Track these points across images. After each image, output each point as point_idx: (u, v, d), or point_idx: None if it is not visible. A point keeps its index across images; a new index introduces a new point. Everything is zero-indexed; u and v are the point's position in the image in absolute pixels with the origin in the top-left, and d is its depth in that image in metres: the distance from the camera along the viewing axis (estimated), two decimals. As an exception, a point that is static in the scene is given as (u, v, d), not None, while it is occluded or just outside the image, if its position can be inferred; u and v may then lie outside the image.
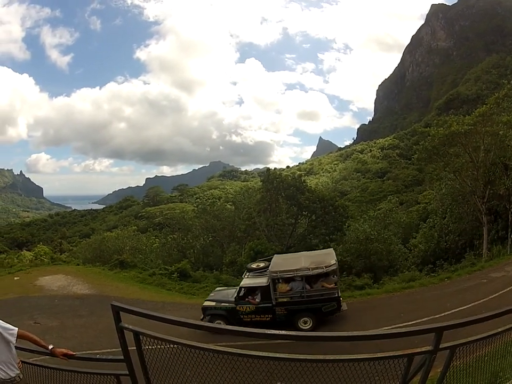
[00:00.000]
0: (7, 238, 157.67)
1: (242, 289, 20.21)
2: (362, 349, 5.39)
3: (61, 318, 25.98)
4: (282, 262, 20.98)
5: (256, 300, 19.63)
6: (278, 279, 19.37)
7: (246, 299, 19.78)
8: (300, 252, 33.35)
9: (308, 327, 18.94)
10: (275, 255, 24.28)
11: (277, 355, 4.44)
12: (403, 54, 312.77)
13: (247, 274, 21.57)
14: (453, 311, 18.25)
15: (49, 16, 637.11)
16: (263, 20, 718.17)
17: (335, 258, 19.93)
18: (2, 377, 5.71)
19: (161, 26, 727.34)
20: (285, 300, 19.22)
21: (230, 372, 5.24)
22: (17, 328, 5.82)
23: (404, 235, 38.59)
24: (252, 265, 22.48)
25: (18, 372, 5.90)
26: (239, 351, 4.56)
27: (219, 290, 22.78)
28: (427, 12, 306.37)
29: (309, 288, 19.13)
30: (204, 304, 20.82)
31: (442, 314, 18.16)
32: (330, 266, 19.09)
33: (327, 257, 20.39)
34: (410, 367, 4.66)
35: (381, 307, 22.93)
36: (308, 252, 26.02)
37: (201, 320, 18.89)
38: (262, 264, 21.77)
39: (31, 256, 67.32)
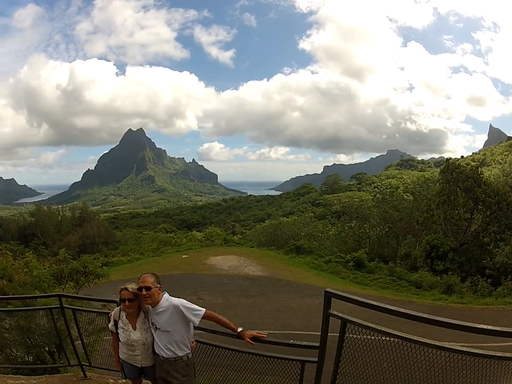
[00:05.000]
0: (176, 220, 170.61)
1: None
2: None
3: (227, 296, 28.30)
4: None
5: None
6: None
7: None
8: (471, 250, 34.62)
9: None
10: None
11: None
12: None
13: None
14: None
15: (198, 18, 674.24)
16: (414, 2, 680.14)
17: None
18: (166, 356, 6.08)
19: (318, 16, 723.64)
20: None
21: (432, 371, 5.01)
22: (204, 309, 6.09)
23: None
24: None
25: (188, 351, 6.20)
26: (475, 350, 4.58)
27: None
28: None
29: None
30: None
31: None
32: None
33: None
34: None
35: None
36: None
37: None
38: None
39: (201, 237, 72.26)
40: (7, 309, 10.73)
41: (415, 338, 4.80)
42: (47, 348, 11.10)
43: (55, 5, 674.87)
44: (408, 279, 33.67)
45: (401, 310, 4.73)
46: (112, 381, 8.89)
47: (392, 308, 4.77)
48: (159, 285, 6.03)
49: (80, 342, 9.24)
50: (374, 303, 4.95)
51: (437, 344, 4.70)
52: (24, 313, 10.05)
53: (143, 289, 5.92)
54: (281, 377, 6.82)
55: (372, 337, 5.23)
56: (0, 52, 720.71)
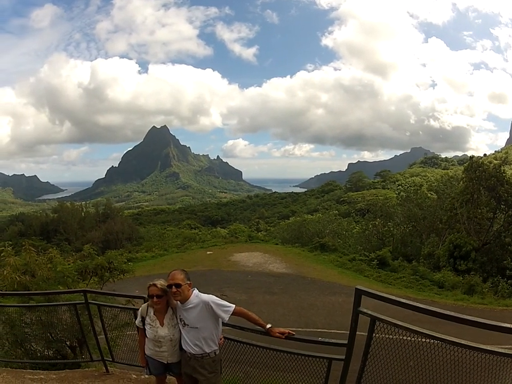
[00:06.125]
0: (200, 216, 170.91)
1: None
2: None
3: (251, 293, 28.36)
4: None
5: None
6: None
7: None
8: (493, 250, 34.10)
9: None
10: None
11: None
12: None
13: None
14: None
15: (219, 15, 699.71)
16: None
17: None
18: (193, 352, 6.05)
19: (339, 12, 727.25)
20: None
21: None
22: (234, 306, 6.07)
23: None
24: None
25: (216, 348, 6.16)
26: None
27: None
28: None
29: None
30: None
31: None
32: None
33: None
34: None
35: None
36: None
37: None
38: None
39: (226, 233, 72.24)
40: (31, 304, 10.80)
41: (448, 338, 4.79)
42: (68, 343, 11.23)
43: (74, 5, 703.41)
44: (431, 279, 33.52)
45: (430, 308, 4.73)
46: (134, 376, 8.84)
47: (422, 306, 4.74)
48: (189, 281, 6.03)
49: (102, 337, 9.22)
50: (404, 301, 4.93)
51: (473, 345, 4.68)
52: (46, 308, 10.06)
53: (173, 286, 5.92)
54: (305, 375, 6.77)
55: (396, 337, 5.28)
56: (19, 51, 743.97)
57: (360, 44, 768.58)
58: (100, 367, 9.32)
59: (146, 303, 6.43)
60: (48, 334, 10.54)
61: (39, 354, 10.87)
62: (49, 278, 13.96)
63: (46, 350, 10.98)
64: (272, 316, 22.98)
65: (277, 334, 6.21)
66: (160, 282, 6.10)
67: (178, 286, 5.91)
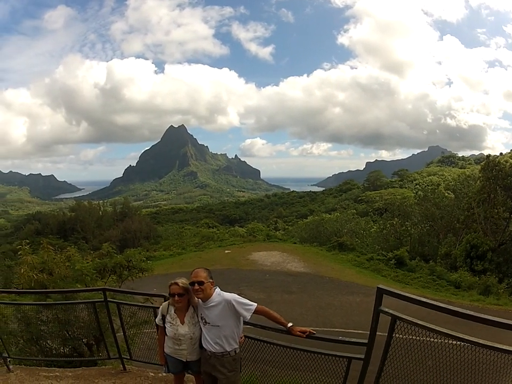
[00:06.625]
0: (218, 215, 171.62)
1: None
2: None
3: (269, 292, 28.16)
4: None
5: None
6: None
7: None
8: (509, 250, 33.90)
9: None
10: None
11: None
12: None
13: None
14: None
15: (234, 14, 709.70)
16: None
17: None
18: (214, 350, 6.02)
19: (354, 10, 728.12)
20: None
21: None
22: (256, 304, 6.11)
23: None
24: None
25: (236, 346, 6.14)
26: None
27: None
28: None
29: None
30: None
31: None
32: None
33: None
34: None
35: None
36: None
37: None
38: None
39: (244, 232, 71.65)
40: (49, 302, 10.68)
41: (472, 339, 4.75)
42: (85, 340, 11.24)
43: (87, 6, 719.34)
44: (448, 279, 33.34)
45: (452, 307, 4.68)
46: (152, 374, 8.81)
47: (444, 305, 4.69)
48: (211, 280, 6.01)
49: (119, 334, 9.19)
50: (426, 300, 4.85)
51: (500, 347, 4.57)
52: (64, 306, 10.06)
53: (196, 284, 5.90)
54: (322, 374, 6.77)
55: (414, 337, 5.25)
56: (33, 52, 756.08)
57: (375, 42, 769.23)
58: (117, 364, 9.31)
59: (167, 301, 6.44)
60: (65, 332, 10.55)
61: (54, 352, 10.86)
62: (67, 276, 14.02)
63: (62, 348, 11.01)
64: (290, 315, 22.21)
65: (298, 332, 6.19)
66: (182, 281, 6.13)
67: (201, 283, 5.90)
